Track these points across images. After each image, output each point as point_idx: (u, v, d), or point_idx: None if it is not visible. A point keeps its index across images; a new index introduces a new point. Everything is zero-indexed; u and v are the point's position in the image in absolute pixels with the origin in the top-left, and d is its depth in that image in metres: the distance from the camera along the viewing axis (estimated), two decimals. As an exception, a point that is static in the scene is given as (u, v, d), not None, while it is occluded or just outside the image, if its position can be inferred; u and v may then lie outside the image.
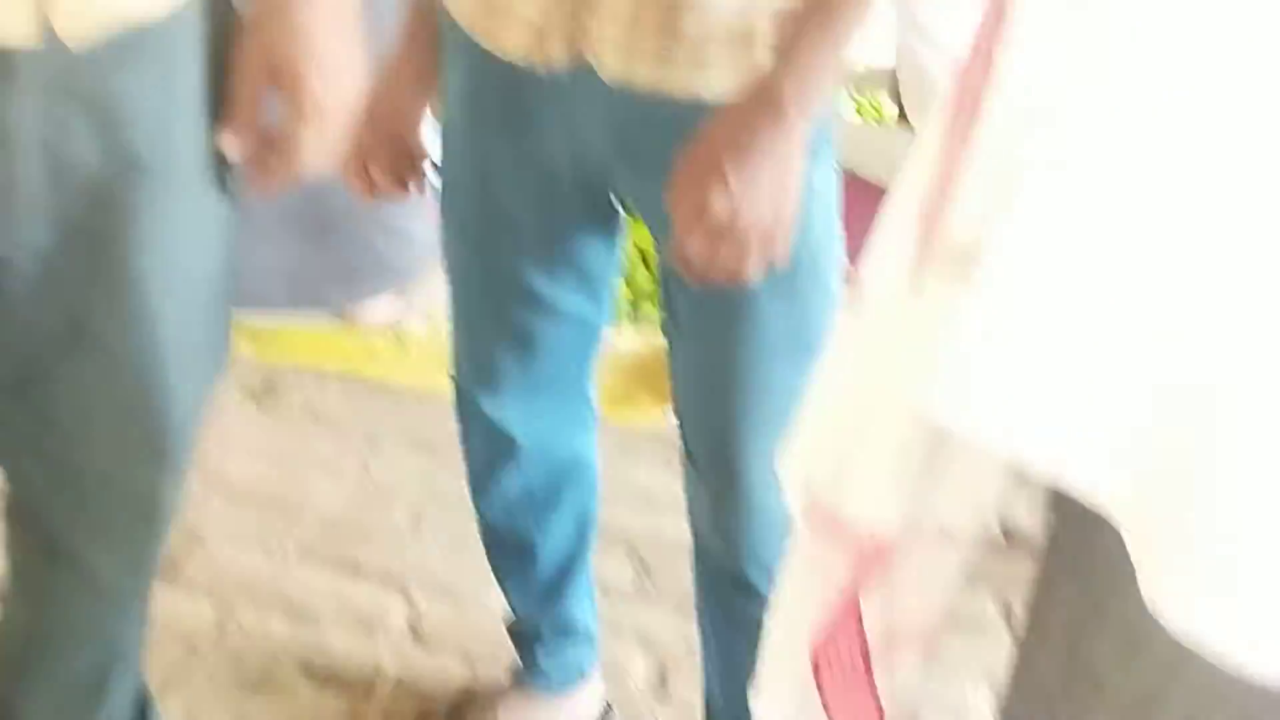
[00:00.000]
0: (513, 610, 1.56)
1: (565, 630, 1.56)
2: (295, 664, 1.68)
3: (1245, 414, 0.60)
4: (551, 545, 1.49)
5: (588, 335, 1.38)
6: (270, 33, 0.99)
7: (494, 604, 1.61)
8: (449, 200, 1.33)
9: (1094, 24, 0.63)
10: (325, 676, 1.67)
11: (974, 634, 1.69)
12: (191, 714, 1.58)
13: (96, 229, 0.97)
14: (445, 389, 1.46)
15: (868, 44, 1.37)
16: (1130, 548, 0.64)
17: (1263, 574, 0.61)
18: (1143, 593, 0.63)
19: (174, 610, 1.64)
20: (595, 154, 1.20)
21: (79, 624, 1.18)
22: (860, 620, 0.82)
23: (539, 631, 1.55)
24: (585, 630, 1.57)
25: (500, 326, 1.35)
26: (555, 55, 1.15)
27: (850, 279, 0.90)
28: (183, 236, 1.02)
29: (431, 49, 1.27)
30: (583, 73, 1.14)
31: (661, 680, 1.72)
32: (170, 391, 1.06)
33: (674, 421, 1.34)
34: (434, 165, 1.34)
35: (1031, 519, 1.63)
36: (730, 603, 1.36)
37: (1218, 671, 0.63)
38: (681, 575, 1.50)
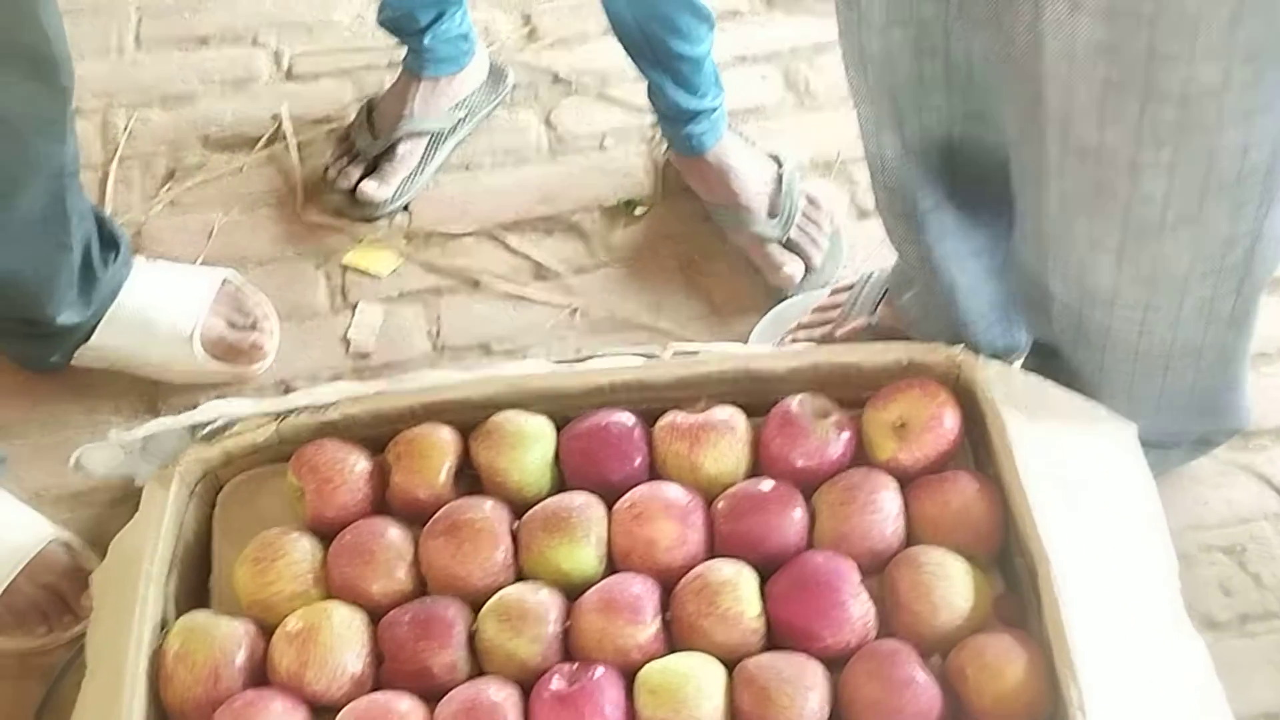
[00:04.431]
0: (382, 9, 1.58)
1: (440, 2, 1.57)
2: (196, 141, 1.73)
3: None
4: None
5: None
6: None
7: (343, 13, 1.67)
8: None
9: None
10: (225, 141, 1.73)
11: None
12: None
13: None
14: None
15: None
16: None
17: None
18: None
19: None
20: None
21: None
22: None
23: (414, 17, 1.58)
24: None
25: None
26: None
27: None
28: None
29: None
30: None
31: (529, 30, 1.81)
32: None
33: None
34: None
35: None
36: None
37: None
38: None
